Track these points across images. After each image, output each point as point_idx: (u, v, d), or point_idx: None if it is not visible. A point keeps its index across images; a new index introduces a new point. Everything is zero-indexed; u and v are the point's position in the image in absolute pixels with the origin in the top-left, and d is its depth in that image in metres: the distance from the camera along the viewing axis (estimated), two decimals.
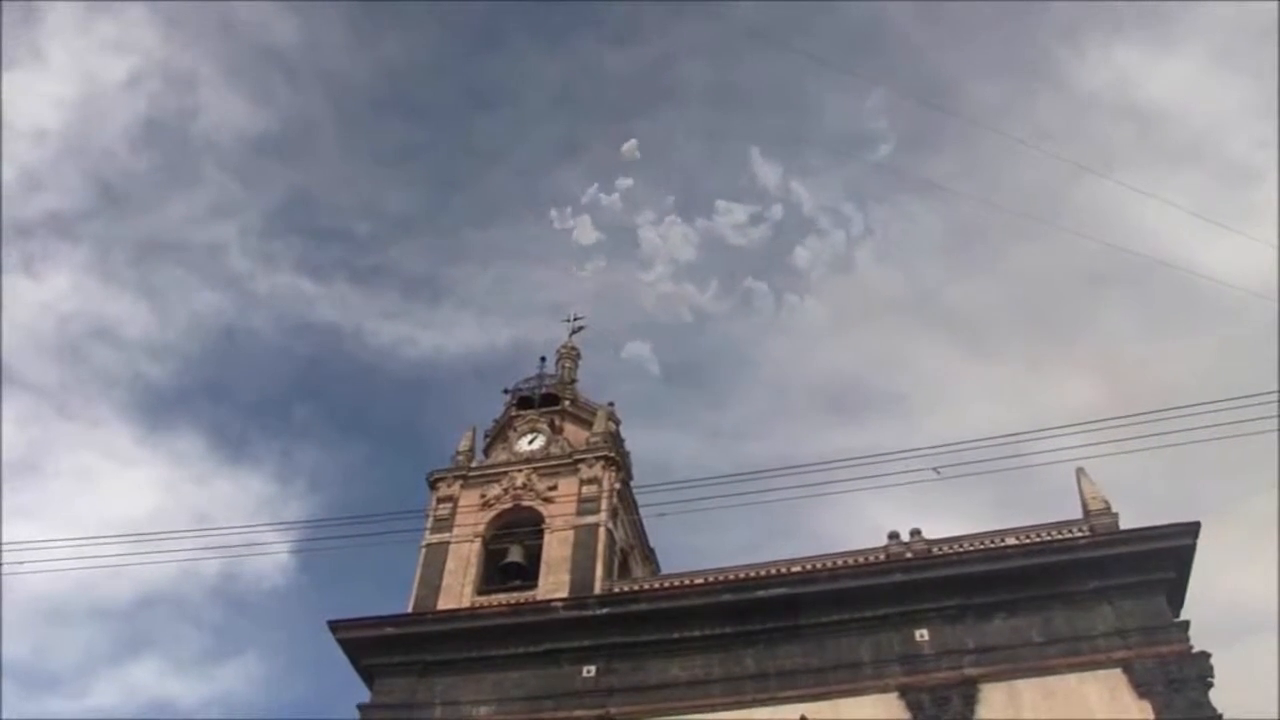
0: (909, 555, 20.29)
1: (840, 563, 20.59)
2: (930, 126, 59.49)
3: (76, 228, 64.43)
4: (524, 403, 27.56)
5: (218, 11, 62.89)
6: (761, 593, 20.20)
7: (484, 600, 22.26)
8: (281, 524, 35.71)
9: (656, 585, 22.13)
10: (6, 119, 55.91)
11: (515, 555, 23.15)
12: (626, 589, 21.97)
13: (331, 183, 69.00)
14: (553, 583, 22.01)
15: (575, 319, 31.03)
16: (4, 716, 37.08)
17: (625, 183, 44.04)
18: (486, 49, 66.26)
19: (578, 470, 24.15)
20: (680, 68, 67.00)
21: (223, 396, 68.33)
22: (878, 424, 57.33)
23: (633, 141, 30.96)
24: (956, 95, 53.80)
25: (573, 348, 30.24)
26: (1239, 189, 49.07)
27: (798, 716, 18.48)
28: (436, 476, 24.85)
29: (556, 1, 67.06)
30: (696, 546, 47.65)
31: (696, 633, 20.10)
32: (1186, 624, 18.21)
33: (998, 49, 63.87)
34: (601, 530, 22.86)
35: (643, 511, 25.31)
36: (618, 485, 24.26)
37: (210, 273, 65.46)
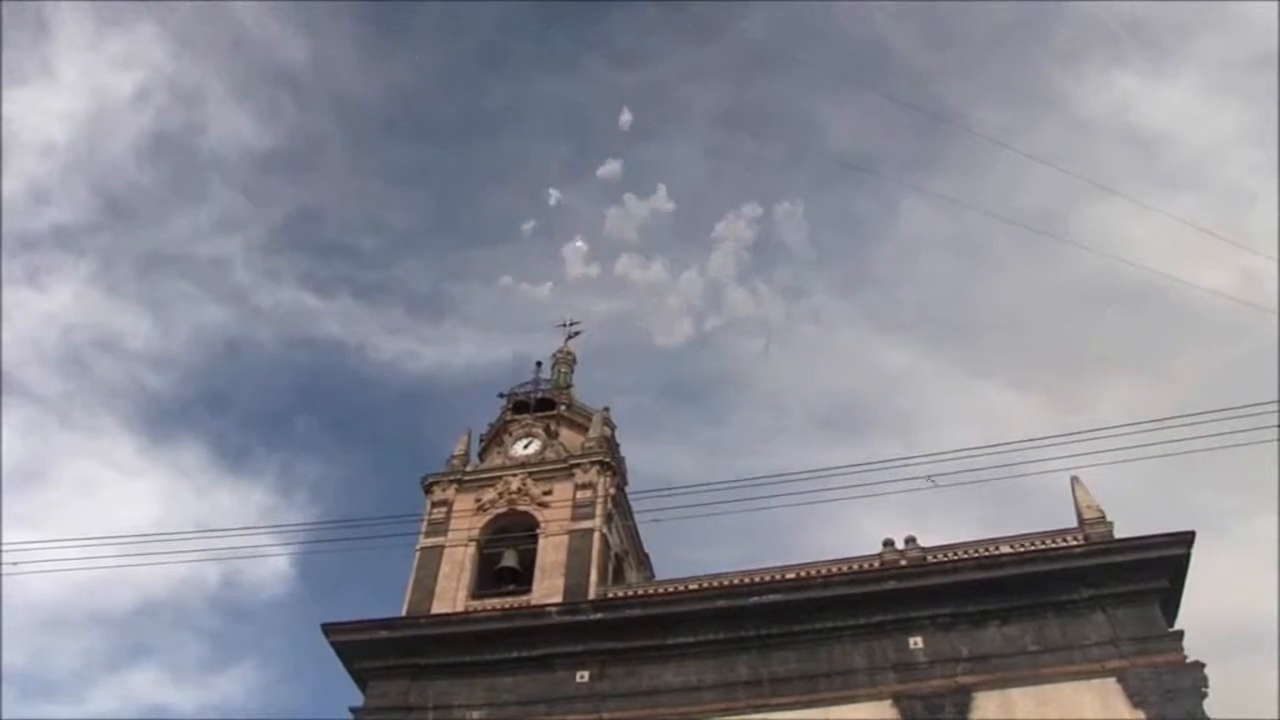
0: (903, 562, 20.29)
1: (835, 569, 20.57)
2: (933, 149, 59.89)
3: (82, 240, 64.65)
4: (520, 407, 27.52)
5: (228, 30, 63.24)
6: (756, 599, 20.16)
7: (478, 604, 22.22)
8: (276, 527, 35.65)
9: (651, 590, 22.10)
10: (15, 132, 56.39)
11: (509, 560, 23.10)
12: (621, 594, 21.94)
13: (337, 200, 69.14)
14: (547, 587, 21.98)
15: (571, 324, 31.08)
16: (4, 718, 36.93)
17: (631, 200, 44.43)
18: (494, 70, 66.71)
19: (573, 475, 24.10)
20: (686, 89, 67.22)
21: (225, 408, 68.40)
22: (877, 441, 57.44)
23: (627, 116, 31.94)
24: (960, 120, 54.12)
25: (569, 353, 30.25)
26: (1236, 212, 49.39)
27: None
28: (431, 480, 24.80)
29: (563, 24, 67.55)
30: (691, 560, 47.68)
31: (690, 638, 20.07)
32: (1181, 634, 18.21)
33: (1000, 75, 64.71)
34: (596, 535, 22.81)
35: (637, 517, 25.29)
36: (613, 490, 24.21)
37: (214, 286, 65.23)
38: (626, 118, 43.13)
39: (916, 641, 19.02)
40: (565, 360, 29.93)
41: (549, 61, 71.28)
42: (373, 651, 21.19)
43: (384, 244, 68.74)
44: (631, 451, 27.15)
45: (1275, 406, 15.42)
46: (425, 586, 22.56)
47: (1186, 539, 18.64)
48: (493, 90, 66.62)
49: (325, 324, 65.18)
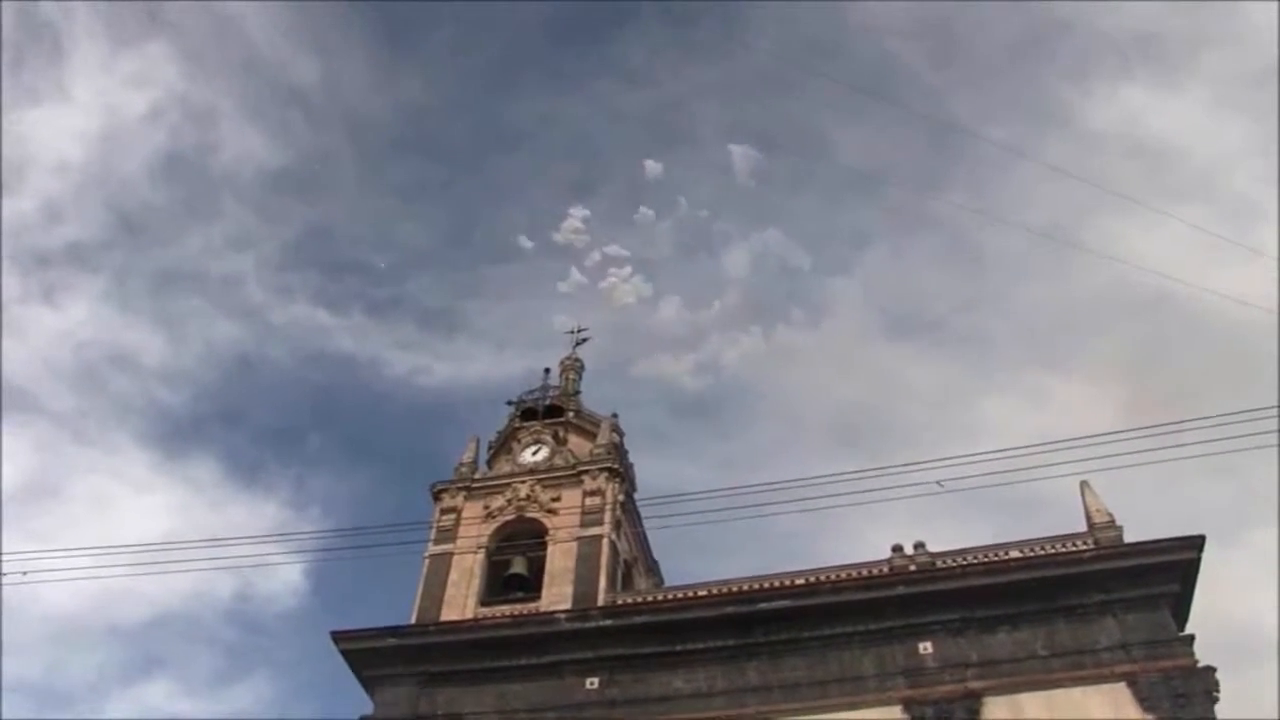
0: (912, 568, 20.24)
1: (843, 575, 20.53)
2: (944, 163, 60.06)
3: (96, 258, 65.50)
4: (528, 414, 27.57)
5: (240, 50, 63.72)
6: (764, 605, 20.14)
7: (487, 611, 22.25)
8: (283, 535, 35.83)
9: (660, 597, 22.08)
10: (30, 151, 57.14)
11: (518, 566, 23.12)
12: (630, 601, 21.94)
13: (349, 217, 69.47)
14: (556, 594, 21.98)
15: (579, 330, 31.14)
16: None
17: (646, 214, 44.61)
18: (504, 89, 67.28)
19: (581, 481, 24.13)
20: (694, 108, 67.49)
21: (238, 424, 69.33)
22: (891, 453, 57.39)
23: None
24: (969, 135, 54.39)
25: (577, 359, 30.29)
26: (1242, 224, 49.41)
27: None
28: (440, 487, 24.82)
29: (573, 44, 68.01)
30: (701, 572, 47.69)
31: (699, 645, 20.05)
32: (1191, 638, 18.14)
33: (1008, 90, 64.88)
34: (605, 542, 22.82)
35: (646, 525, 25.30)
36: (621, 497, 24.21)
37: (227, 303, 65.69)
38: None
39: (926, 647, 18.99)
40: (573, 367, 29.98)
41: (559, 81, 71.80)
42: (382, 659, 21.21)
43: (396, 260, 69.20)
44: (642, 465, 27.11)
45: (1275, 411, 15.40)
46: (434, 594, 22.57)
47: (1196, 543, 18.57)
48: (503, 109, 67.21)
49: (338, 340, 65.61)
